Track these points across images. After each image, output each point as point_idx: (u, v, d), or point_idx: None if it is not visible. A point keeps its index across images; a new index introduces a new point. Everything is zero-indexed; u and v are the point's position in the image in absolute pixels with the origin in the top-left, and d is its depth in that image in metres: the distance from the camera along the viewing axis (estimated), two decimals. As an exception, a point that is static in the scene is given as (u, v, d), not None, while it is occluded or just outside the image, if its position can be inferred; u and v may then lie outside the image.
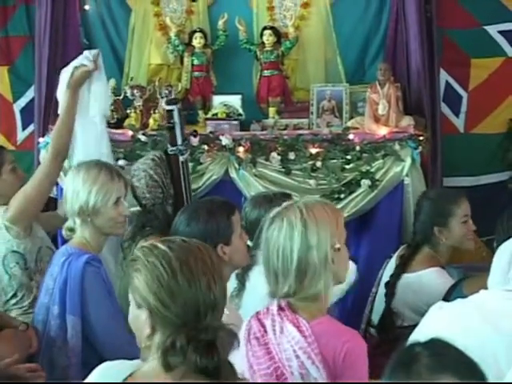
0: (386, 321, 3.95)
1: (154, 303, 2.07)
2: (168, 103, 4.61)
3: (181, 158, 4.42)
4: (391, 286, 3.93)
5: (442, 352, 1.89)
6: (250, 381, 2.53)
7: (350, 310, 4.99)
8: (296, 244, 2.57)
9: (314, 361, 2.50)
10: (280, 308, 2.63)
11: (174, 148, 4.43)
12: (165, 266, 2.08)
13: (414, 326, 3.40)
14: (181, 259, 2.09)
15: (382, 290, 4.02)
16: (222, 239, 3.18)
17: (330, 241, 2.60)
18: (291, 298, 2.63)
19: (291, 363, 2.51)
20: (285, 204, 2.70)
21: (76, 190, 3.39)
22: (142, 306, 2.11)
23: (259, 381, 2.54)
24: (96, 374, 2.18)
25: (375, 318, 4.10)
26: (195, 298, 2.06)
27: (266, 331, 2.60)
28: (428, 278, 3.86)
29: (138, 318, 2.13)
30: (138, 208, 4.16)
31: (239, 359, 2.58)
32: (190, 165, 5.18)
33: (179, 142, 4.45)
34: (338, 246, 2.62)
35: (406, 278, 3.92)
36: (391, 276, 3.96)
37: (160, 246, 2.14)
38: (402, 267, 3.96)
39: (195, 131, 5.29)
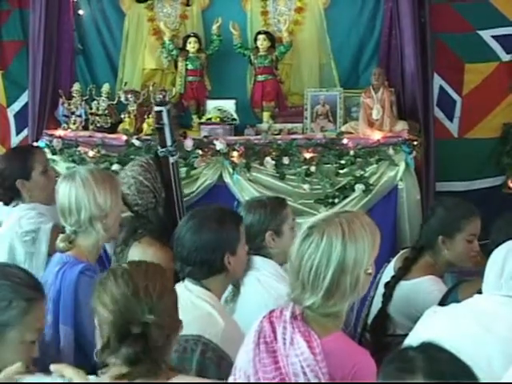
0: (379, 321, 3.94)
1: (98, 308, 2.28)
2: (157, 104, 4.61)
3: (171, 160, 4.40)
4: (391, 287, 3.92)
5: (437, 357, 1.89)
6: None
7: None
8: (332, 264, 2.50)
9: (320, 379, 2.44)
10: (293, 316, 2.56)
11: (163, 149, 4.42)
12: (110, 275, 2.34)
13: (405, 335, 3.40)
14: (124, 268, 2.37)
15: (380, 291, 4.01)
16: (229, 249, 3.13)
17: (365, 265, 2.55)
18: (311, 310, 2.57)
19: (298, 378, 2.45)
20: (324, 215, 2.63)
21: (91, 193, 3.35)
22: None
23: None
24: None
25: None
26: (133, 301, 2.26)
27: (276, 338, 2.53)
28: (423, 285, 3.85)
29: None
30: (130, 213, 4.14)
31: (245, 361, 2.55)
32: (184, 169, 5.18)
33: (169, 143, 4.44)
34: (370, 271, 2.58)
35: (402, 284, 3.91)
36: (392, 277, 3.95)
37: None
38: (405, 270, 3.95)
39: (184, 132, 5.28)
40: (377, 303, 4.01)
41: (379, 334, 3.92)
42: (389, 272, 4.03)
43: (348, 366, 2.48)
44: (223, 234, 3.13)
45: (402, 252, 4.14)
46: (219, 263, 3.09)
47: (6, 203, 4.15)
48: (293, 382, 2.45)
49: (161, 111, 4.45)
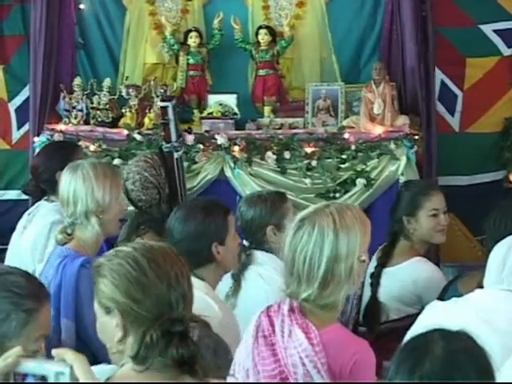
0: (372, 309, 3.95)
1: (126, 301, 2.04)
2: (162, 100, 4.62)
3: (175, 155, 4.42)
4: (376, 275, 3.94)
5: (456, 349, 1.88)
6: (251, 379, 2.52)
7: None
8: (325, 253, 2.54)
9: (319, 370, 2.46)
10: (291, 309, 2.58)
11: (168, 145, 4.43)
12: (131, 263, 2.06)
13: (401, 318, 3.43)
14: (147, 256, 2.08)
15: (367, 282, 4.04)
16: (216, 238, 3.15)
17: (358, 252, 2.59)
18: (308, 303, 2.59)
19: (297, 370, 2.48)
20: (315, 207, 2.66)
21: (90, 187, 3.35)
22: (111, 311, 2.08)
23: (262, 381, 2.52)
24: None
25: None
26: (166, 290, 2.04)
27: (274, 331, 2.56)
28: (412, 267, 3.89)
29: (107, 325, 2.10)
30: (133, 208, 4.15)
31: (244, 355, 2.57)
32: (186, 164, 5.18)
33: (174, 138, 4.45)
34: (363, 258, 2.62)
35: (388, 271, 3.94)
36: (376, 267, 3.98)
37: (123, 248, 2.13)
38: (386, 257, 3.99)
39: (189, 128, 5.28)
40: (365, 300, 4.02)
41: (374, 323, 3.94)
42: (372, 265, 4.06)
43: (347, 356, 2.50)
44: (210, 223, 3.15)
45: (380, 247, 4.17)
46: (207, 252, 3.11)
47: (36, 198, 4.17)
48: (292, 373, 2.47)
49: (166, 107, 4.46)
